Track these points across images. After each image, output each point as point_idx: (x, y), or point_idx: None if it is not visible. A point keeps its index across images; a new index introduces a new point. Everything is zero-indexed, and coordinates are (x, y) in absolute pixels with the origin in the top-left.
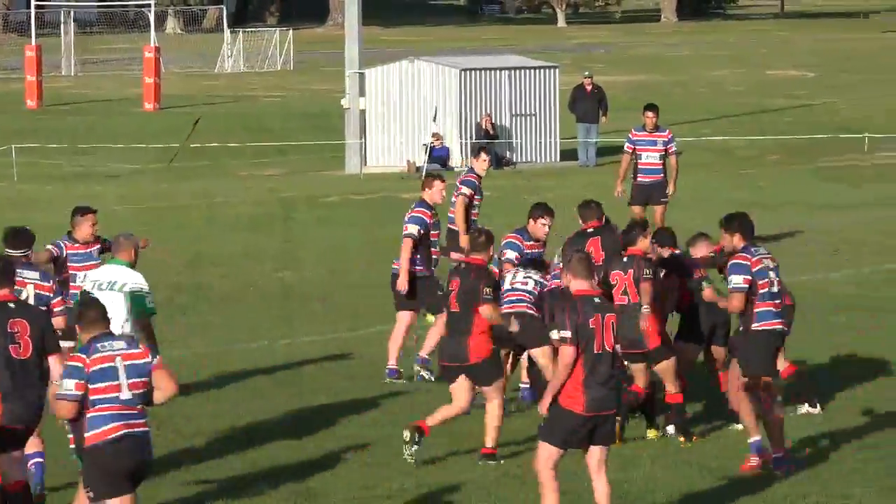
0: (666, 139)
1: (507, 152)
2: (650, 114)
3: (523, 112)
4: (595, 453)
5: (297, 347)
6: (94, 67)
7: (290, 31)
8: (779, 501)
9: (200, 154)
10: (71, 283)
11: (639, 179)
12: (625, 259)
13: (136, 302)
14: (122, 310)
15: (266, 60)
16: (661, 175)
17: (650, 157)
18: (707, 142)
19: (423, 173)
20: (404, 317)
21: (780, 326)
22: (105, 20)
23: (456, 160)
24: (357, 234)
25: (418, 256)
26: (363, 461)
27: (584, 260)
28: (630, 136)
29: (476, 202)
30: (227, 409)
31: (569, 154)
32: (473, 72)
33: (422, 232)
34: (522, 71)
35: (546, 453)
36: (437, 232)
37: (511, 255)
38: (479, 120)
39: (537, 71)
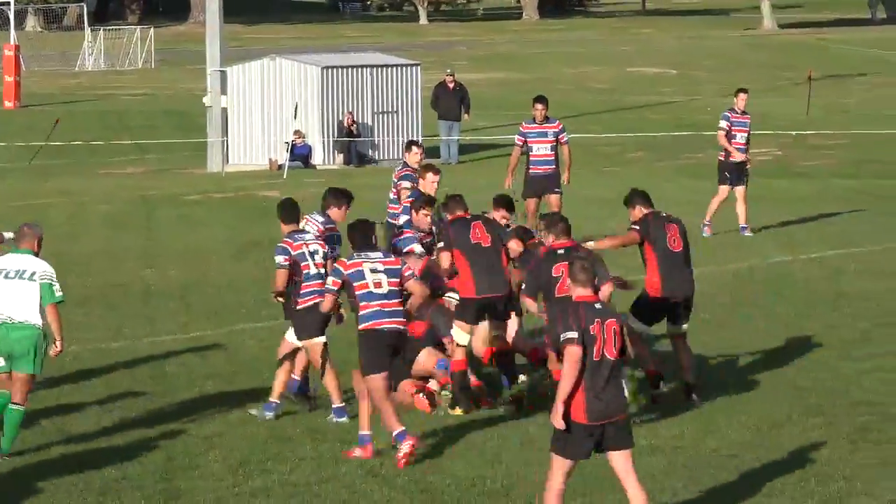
0: (556, 130)
1: (370, 150)
2: (539, 106)
3: (385, 109)
4: (617, 459)
5: (158, 345)
6: None
7: (152, 29)
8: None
9: (62, 152)
10: None
11: (531, 172)
12: None
13: (45, 291)
14: (34, 298)
15: (127, 58)
16: (554, 166)
17: (542, 149)
18: (570, 139)
19: (285, 171)
20: None
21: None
22: None
23: (318, 157)
24: (218, 233)
25: None
26: (226, 459)
27: (586, 267)
28: (521, 128)
29: None
30: (91, 407)
31: (431, 151)
32: (335, 69)
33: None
34: (384, 69)
35: (556, 465)
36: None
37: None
38: (340, 118)
39: (399, 68)
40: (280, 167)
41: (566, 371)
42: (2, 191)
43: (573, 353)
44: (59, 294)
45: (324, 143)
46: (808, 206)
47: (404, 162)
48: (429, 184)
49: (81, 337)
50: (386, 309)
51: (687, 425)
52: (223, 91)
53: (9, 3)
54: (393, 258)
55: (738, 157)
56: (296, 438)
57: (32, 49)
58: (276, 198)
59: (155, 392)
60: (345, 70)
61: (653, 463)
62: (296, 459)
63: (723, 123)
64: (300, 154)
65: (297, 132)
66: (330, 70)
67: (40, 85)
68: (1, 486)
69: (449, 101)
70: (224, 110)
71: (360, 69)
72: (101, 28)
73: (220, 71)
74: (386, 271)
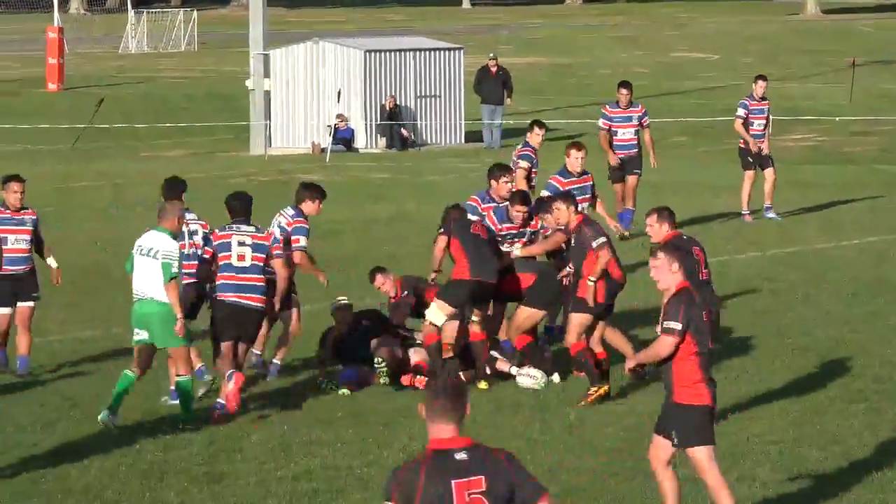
0: (640, 114)
1: (412, 134)
2: (624, 90)
3: (428, 93)
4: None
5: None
6: None
7: (195, 12)
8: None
9: (105, 135)
10: (4, 247)
11: (616, 155)
12: None
13: (165, 270)
14: (158, 275)
15: (170, 41)
16: (637, 149)
17: (626, 133)
18: None
19: (328, 154)
20: None
21: None
22: (6, 1)
23: (360, 141)
24: (261, 217)
25: None
26: (268, 442)
27: (687, 257)
28: (605, 112)
29: (533, 175)
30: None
31: (473, 135)
32: (378, 53)
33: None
34: (427, 52)
35: (706, 454)
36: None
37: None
38: (383, 101)
39: (442, 52)
40: (323, 151)
41: (652, 353)
42: (45, 172)
43: (667, 343)
44: (174, 272)
45: (366, 126)
46: (850, 192)
47: (525, 141)
48: (535, 136)
49: (123, 318)
50: (238, 282)
51: (730, 411)
52: (266, 74)
53: None
54: (265, 234)
55: (753, 146)
56: (337, 422)
57: (76, 32)
58: (320, 180)
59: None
60: (388, 54)
61: None
62: (338, 443)
63: (740, 112)
64: (343, 137)
65: (339, 116)
66: (373, 54)
67: (84, 68)
68: (47, 466)
69: (491, 86)
70: (267, 93)
71: (403, 53)
72: (145, 11)
73: (264, 54)
74: (253, 245)
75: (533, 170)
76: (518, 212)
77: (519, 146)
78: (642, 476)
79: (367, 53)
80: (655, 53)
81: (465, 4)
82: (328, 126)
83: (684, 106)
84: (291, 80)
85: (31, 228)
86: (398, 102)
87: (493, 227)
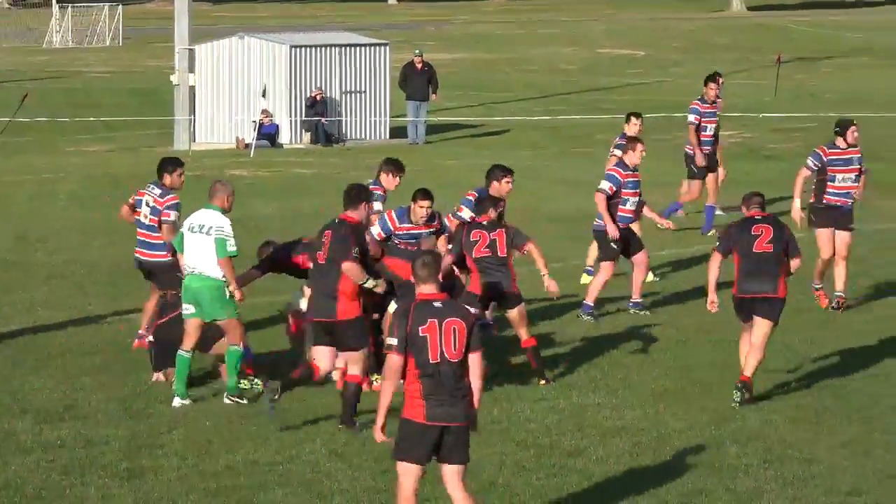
0: (717, 110)
1: (337, 130)
2: (713, 85)
3: (353, 89)
4: None
5: (123, 323)
6: None
7: (120, 7)
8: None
9: (28, 129)
10: None
11: (705, 151)
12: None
13: (219, 245)
14: (210, 251)
15: (95, 36)
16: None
17: (711, 129)
18: (538, 120)
19: (252, 150)
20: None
21: None
22: None
23: (285, 137)
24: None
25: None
26: (189, 438)
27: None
28: (696, 107)
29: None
30: (55, 386)
31: (398, 131)
32: (303, 49)
33: (614, 189)
34: (352, 48)
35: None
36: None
37: (466, 214)
38: (308, 97)
39: (367, 48)
40: (247, 146)
41: None
42: None
43: None
44: (231, 249)
45: (291, 122)
46: (775, 188)
47: (623, 133)
48: (637, 155)
49: (45, 315)
50: (139, 238)
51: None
52: (191, 69)
53: None
54: (169, 197)
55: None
56: (259, 418)
57: (0, 26)
58: (244, 177)
59: (118, 371)
60: (313, 49)
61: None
62: (260, 439)
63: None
64: (267, 133)
65: (264, 112)
66: (298, 49)
67: (7, 62)
68: None
69: (417, 82)
70: (192, 89)
71: (328, 48)
72: (69, 5)
73: (189, 49)
74: (152, 208)
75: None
76: (421, 207)
77: (617, 137)
78: (567, 472)
79: (293, 49)
80: (581, 49)
81: (391, 0)
82: (253, 121)
83: (609, 102)
84: (216, 75)
85: None
86: (325, 95)
87: (392, 226)
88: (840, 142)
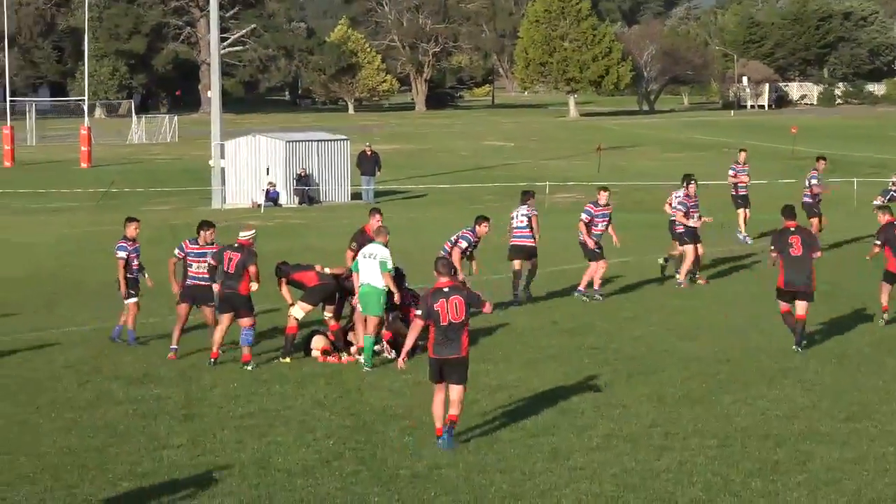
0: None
1: (317, 195)
2: (604, 193)
3: (324, 168)
4: None
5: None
6: (47, 140)
7: (175, 117)
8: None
9: (117, 196)
10: None
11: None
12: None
13: (381, 266)
14: (377, 270)
15: (160, 135)
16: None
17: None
18: (447, 188)
19: (262, 208)
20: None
21: None
22: (55, 109)
23: (283, 199)
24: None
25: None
26: (224, 394)
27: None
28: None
29: (692, 213)
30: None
31: (356, 195)
32: (294, 142)
33: (589, 218)
34: (326, 142)
35: None
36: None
37: (464, 244)
38: (296, 173)
39: (335, 142)
40: (259, 206)
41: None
42: (78, 220)
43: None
44: (389, 267)
45: (287, 190)
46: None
47: (686, 192)
48: (602, 197)
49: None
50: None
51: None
52: (222, 156)
53: (84, 100)
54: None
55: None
56: (269, 380)
57: (98, 129)
58: (258, 225)
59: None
60: (301, 143)
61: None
62: (269, 395)
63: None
64: (272, 197)
65: (270, 183)
66: (291, 143)
67: (103, 153)
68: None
69: (367, 163)
70: (223, 169)
71: (311, 142)
72: (143, 116)
73: (220, 143)
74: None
75: (692, 209)
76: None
77: (677, 193)
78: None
79: (288, 143)
80: (472, 142)
81: (351, 111)
82: (262, 189)
83: (491, 176)
84: (238, 160)
85: None
86: (308, 173)
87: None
88: (602, 197)
